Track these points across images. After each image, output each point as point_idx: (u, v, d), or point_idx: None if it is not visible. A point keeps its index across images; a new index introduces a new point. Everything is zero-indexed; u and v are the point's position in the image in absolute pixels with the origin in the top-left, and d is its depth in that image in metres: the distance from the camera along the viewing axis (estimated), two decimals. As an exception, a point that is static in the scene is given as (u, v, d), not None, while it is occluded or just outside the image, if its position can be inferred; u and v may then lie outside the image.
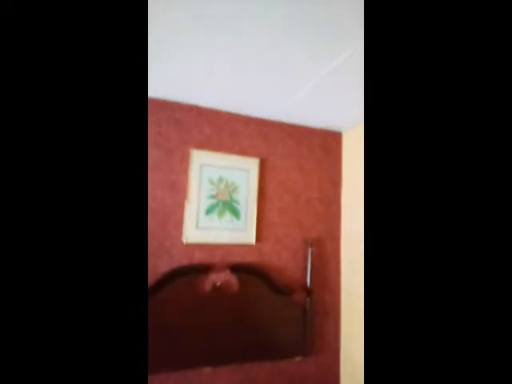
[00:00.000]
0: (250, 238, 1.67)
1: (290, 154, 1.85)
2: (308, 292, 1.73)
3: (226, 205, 1.65)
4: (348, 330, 1.78)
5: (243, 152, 1.73)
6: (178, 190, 1.58)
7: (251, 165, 1.72)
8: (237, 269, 1.61)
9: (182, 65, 1.27)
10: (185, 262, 1.55)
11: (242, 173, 1.70)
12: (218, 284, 1.57)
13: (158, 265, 1.50)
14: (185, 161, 1.61)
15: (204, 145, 1.66)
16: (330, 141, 1.96)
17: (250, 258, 1.67)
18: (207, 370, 1.52)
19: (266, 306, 1.64)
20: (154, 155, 1.56)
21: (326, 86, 1.38)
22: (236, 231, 1.65)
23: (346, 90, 1.41)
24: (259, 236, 1.70)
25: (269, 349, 1.62)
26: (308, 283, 1.74)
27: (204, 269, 1.56)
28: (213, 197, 1.63)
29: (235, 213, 1.66)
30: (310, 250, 1.76)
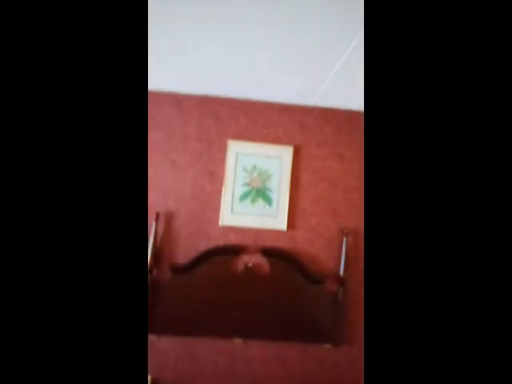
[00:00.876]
0: (282, 224, 1.73)
1: (327, 141, 1.81)
2: (341, 282, 1.71)
3: (260, 192, 1.74)
4: (386, 326, 1.70)
5: (278, 141, 1.78)
6: (216, 178, 1.74)
7: (284, 153, 1.76)
8: (268, 252, 1.70)
9: (217, 60, 1.38)
10: (221, 242, 1.71)
11: (275, 161, 1.75)
12: (250, 265, 1.69)
13: (198, 244, 1.70)
14: (222, 151, 1.75)
15: (240, 135, 1.77)
16: (374, 126, 1.83)
17: (281, 244, 1.74)
18: (238, 341, 1.68)
19: (297, 290, 1.69)
20: (195, 147, 1.75)
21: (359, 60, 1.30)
22: (268, 217, 1.73)
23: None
24: (291, 223, 1.75)
25: (298, 331, 1.68)
26: (341, 273, 1.71)
27: (237, 250, 1.70)
28: (247, 184, 1.74)
29: (267, 200, 1.74)
30: (345, 240, 1.72)
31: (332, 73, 1.40)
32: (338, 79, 1.46)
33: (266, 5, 0.99)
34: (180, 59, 1.39)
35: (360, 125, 1.82)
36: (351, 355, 1.74)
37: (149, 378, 1.63)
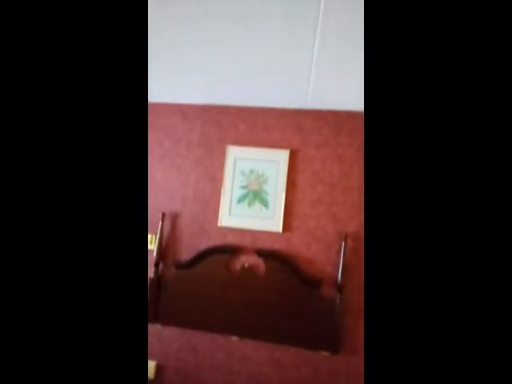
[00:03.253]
0: (277, 226, 1.74)
1: (326, 142, 1.77)
2: (338, 288, 1.65)
3: (257, 195, 1.79)
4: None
5: (275, 144, 1.81)
6: (216, 181, 1.85)
7: (281, 156, 1.78)
8: (263, 253, 1.74)
9: (214, 72, 1.53)
10: (219, 242, 1.81)
11: (272, 164, 1.79)
12: (246, 265, 1.75)
13: (198, 243, 1.83)
14: (222, 156, 1.85)
15: (239, 141, 1.85)
16: (377, 124, 1.73)
17: (277, 246, 1.75)
18: (234, 338, 1.74)
19: (293, 293, 1.69)
20: (197, 153, 1.89)
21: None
22: (264, 219, 1.77)
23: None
24: (287, 225, 1.75)
25: (294, 335, 1.66)
26: (339, 278, 1.65)
27: (235, 250, 1.77)
28: (244, 187, 1.80)
29: (264, 202, 1.78)
30: (343, 244, 1.66)
31: (312, 71, 1.39)
32: (321, 78, 1.44)
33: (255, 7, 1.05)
34: (183, 72, 1.55)
35: (361, 124, 1.74)
36: (350, 366, 1.65)
37: (154, 364, 1.79)
